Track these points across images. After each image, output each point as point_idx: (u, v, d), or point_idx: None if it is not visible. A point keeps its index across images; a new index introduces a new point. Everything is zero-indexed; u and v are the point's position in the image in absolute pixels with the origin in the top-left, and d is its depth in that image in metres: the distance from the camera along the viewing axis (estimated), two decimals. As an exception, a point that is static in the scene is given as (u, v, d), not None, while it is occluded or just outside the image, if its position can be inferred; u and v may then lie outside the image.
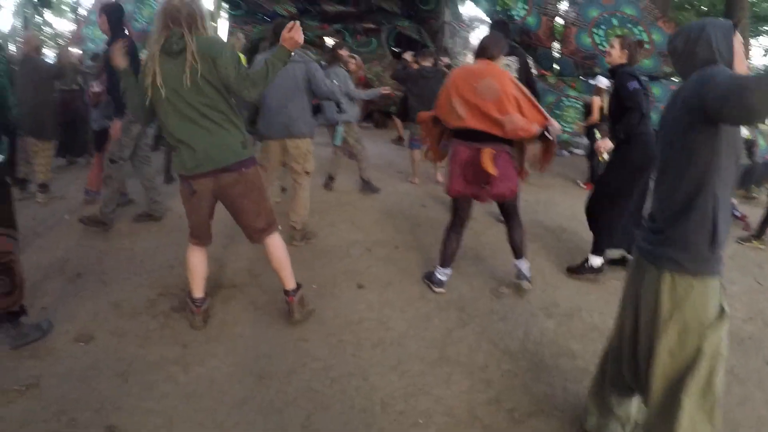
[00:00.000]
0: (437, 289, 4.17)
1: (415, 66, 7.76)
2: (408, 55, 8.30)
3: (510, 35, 5.77)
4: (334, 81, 6.32)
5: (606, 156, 4.23)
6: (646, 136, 4.18)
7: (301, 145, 4.75)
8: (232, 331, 3.56)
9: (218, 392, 2.93)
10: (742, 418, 2.84)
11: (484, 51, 3.94)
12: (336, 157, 6.98)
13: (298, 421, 2.72)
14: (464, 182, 3.90)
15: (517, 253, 4.22)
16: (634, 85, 4.07)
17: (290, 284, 3.59)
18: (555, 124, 3.81)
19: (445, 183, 4.11)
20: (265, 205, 3.47)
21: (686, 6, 12.08)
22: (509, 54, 5.28)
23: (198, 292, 3.58)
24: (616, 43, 4.26)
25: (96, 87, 5.40)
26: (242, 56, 8.49)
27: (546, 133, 3.77)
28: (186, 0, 3.13)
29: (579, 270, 4.54)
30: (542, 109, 3.78)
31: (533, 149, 4.06)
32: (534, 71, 10.39)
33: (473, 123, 3.76)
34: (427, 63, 7.60)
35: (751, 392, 3.06)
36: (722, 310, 2.07)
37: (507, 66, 5.17)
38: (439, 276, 4.20)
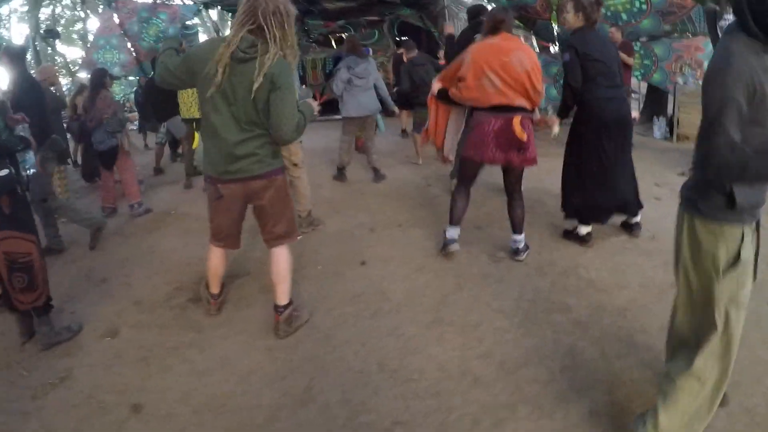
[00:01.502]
0: (451, 247, 4.37)
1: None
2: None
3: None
4: (372, 71, 6.72)
5: (555, 131, 4.37)
6: (595, 101, 4.20)
7: None
8: (244, 314, 3.83)
9: (229, 367, 3.21)
10: (738, 358, 2.93)
11: (501, 25, 4.03)
12: (346, 146, 7.08)
13: (301, 386, 2.97)
14: (496, 149, 4.02)
15: (517, 227, 4.34)
16: (566, 57, 4.17)
17: (283, 299, 3.52)
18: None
19: (466, 152, 4.22)
20: (289, 215, 3.51)
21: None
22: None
23: (215, 288, 3.81)
24: (568, 5, 4.17)
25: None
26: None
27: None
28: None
29: (567, 235, 4.68)
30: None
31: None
32: (535, 44, 10.47)
33: (511, 97, 3.93)
34: (413, 54, 7.94)
35: (747, 332, 3.12)
36: (737, 258, 2.02)
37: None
38: (449, 234, 4.39)
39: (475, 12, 5.93)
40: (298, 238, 3.72)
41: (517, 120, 3.93)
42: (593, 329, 3.29)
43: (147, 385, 3.12)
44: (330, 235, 5.17)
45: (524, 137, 3.92)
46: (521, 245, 4.36)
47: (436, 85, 4.39)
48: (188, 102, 7.00)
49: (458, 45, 5.78)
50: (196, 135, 7.41)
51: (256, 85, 2.95)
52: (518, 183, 4.25)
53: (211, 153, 3.27)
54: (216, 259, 3.68)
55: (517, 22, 10.08)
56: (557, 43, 10.16)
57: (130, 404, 2.96)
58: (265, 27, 2.96)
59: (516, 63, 3.86)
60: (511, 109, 3.95)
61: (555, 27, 9.88)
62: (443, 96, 4.34)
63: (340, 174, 7.18)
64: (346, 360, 3.17)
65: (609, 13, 8.28)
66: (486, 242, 4.67)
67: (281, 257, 3.49)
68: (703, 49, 8.22)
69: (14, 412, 3.00)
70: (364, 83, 6.68)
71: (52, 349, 3.59)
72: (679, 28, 9.57)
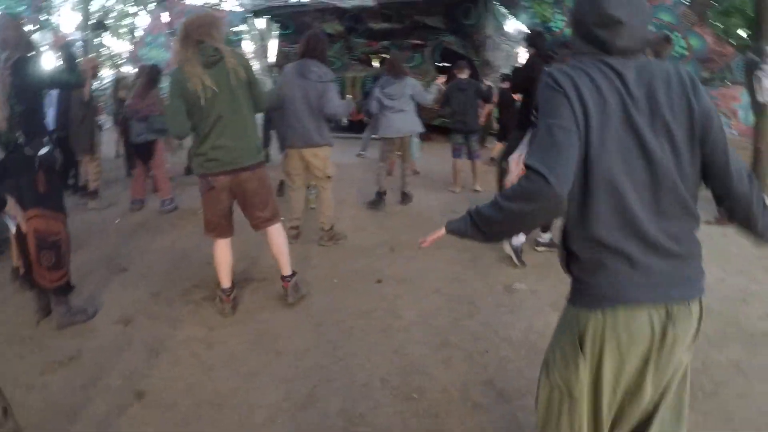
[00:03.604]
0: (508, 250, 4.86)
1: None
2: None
3: (545, 47, 5.70)
4: (407, 92, 6.59)
5: None
6: None
7: (319, 153, 5.05)
8: (256, 317, 3.91)
9: (235, 365, 3.28)
10: (739, 410, 2.84)
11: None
12: (381, 170, 6.94)
13: (303, 392, 3.01)
14: None
15: (545, 227, 5.09)
16: None
17: (286, 270, 4.00)
18: None
19: None
20: (272, 199, 3.92)
21: (731, 11, 11.77)
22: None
23: (226, 282, 3.91)
24: None
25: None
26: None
27: None
28: (201, 14, 3.68)
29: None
30: None
31: None
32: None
33: None
34: (462, 76, 7.71)
35: (752, 386, 3.03)
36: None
37: None
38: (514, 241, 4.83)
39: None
40: (282, 219, 4.08)
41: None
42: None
43: (153, 374, 3.20)
44: (350, 251, 5.23)
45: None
46: (543, 240, 5.10)
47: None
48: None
49: (525, 71, 5.57)
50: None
51: (235, 75, 3.47)
52: None
53: (206, 153, 3.59)
54: (220, 250, 3.90)
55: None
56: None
57: (135, 390, 3.04)
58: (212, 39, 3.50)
59: None
60: None
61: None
62: None
63: (378, 199, 6.81)
64: (351, 372, 3.20)
65: None
66: (504, 273, 4.68)
67: (276, 232, 3.94)
68: (740, 99, 8.12)
69: (20, 385, 3.07)
70: (396, 104, 6.53)
71: (66, 329, 3.69)
72: (718, 76, 9.50)
